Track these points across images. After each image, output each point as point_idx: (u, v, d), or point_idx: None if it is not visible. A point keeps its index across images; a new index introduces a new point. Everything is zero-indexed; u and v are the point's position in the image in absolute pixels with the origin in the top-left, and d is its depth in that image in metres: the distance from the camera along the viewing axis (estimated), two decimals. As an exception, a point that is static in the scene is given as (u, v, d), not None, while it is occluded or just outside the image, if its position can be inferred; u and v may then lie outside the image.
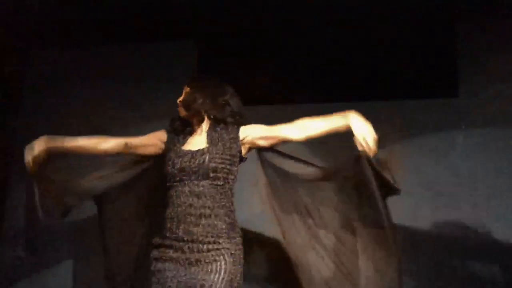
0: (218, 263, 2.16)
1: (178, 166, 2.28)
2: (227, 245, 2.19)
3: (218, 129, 2.36)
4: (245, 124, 2.38)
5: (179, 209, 2.23)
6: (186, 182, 2.25)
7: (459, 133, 3.17)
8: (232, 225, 2.26)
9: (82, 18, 3.54)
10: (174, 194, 2.28)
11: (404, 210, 3.15)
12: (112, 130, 3.72)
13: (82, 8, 3.44)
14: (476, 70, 3.24)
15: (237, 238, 2.26)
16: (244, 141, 2.35)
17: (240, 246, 2.26)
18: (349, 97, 3.41)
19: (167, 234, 2.24)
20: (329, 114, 2.33)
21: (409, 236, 3.11)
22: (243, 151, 2.36)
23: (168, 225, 2.25)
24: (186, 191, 2.24)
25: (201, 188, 2.24)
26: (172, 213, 2.25)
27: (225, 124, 2.37)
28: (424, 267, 3.04)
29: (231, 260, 2.18)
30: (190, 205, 2.22)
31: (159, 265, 2.23)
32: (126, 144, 2.61)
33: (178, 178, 2.28)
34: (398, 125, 3.28)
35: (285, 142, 2.34)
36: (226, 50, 3.61)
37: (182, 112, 2.42)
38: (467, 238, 3.03)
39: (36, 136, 3.93)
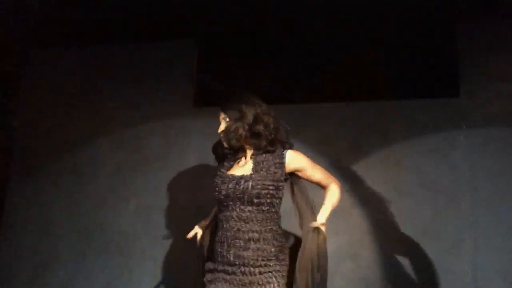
0: (272, 285, 2.28)
1: (224, 192, 2.36)
2: (278, 267, 2.31)
3: (264, 154, 2.43)
4: (290, 147, 2.47)
5: (228, 233, 2.34)
6: (233, 207, 2.35)
7: (460, 133, 3.16)
8: (281, 247, 2.36)
9: (82, 18, 3.54)
10: (224, 218, 2.37)
11: (404, 210, 3.15)
12: (112, 130, 3.74)
13: (82, 8, 3.44)
14: (477, 70, 3.24)
15: (286, 260, 2.37)
16: (289, 167, 2.42)
17: (288, 267, 2.37)
18: (349, 97, 3.41)
19: (219, 259, 2.34)
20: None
21: (409, 236, 3.11)
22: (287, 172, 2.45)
23: (219, 249, 2.35)
24: (234, 216, 2.34)
25: (247, 213, 2.33)
26: (222, 237, 2.35)
27: (268, 152, 2.43)
28: (424, 267, 3.04)
29: (283, 282, 2.31)
30: (238, 230, 2.32)
31: (213, 286, 2.33)
32: None
33: (225, 204, 2.37)
34: (398, 125, 3.28)
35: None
36: (226, 50, 3.61)
37: (225, 143, 2.45)
38: (467, 238, 3.02)
39: (36, 136, 3.95)
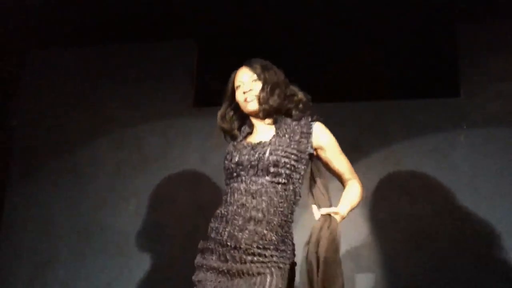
0: (263, 276, 1.89)
1: (236, 159, 2.03)
2: (275, 259, 1.92)
3: (289, 121, 2.12)
4: (319, 120, 2.16)
5: (230, 208, 1.99)
6: (243, 179, 2.01)
7: (460, 133, 3.16)
8: (284, 237, 1.99)
9: (82, 18, 3.54)
10: (229, 191, 2.03)
11: (404, 210, 3.15)
12: (112, 130, 3.74)
13: (82, 8, 3.44)
14: (477, 70, 3.23)
15: (288, 252, 1.98)
16: (316, 141, 2.11)
17: (292, 261, 1.99)
18: (349, 97, 3.41)
19: (212, 235, 2.00)
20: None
21: (409, 236, 3.11)
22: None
23: (216, 224, 2.01)
24: (241, 188, 1.99)
25: (258, 187, 1.97)
26: (222, 212, 2.01)
27: (299, 118, 2.13)
28: (424, 267, 3.04)
29: (279, 274, 1.90)
30: (243, 205, 1.96)
31: (201, 275, 1.98)
32: None
33: (235, 174, 2.03)
34: (399, 125, 3.28)
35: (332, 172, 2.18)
36: (226, 50, 3.60)
37: (253, 107, 2.12)
38: (467, 239, 3.02)
39: (36, 136, 3.95)
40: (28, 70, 4.02)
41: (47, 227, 3.66)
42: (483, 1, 3.18)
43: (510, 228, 2.98)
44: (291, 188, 2.02)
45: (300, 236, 3.18)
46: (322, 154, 2.13)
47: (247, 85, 2.13)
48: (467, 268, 2.98)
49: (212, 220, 2.05)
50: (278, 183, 1.99)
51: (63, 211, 3.66)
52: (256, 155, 2.00)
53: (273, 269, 1.90)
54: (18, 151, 3.89)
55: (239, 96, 2.16)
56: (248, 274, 1.89)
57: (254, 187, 1.98)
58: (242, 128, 2.19)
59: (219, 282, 1.92)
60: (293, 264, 2.00)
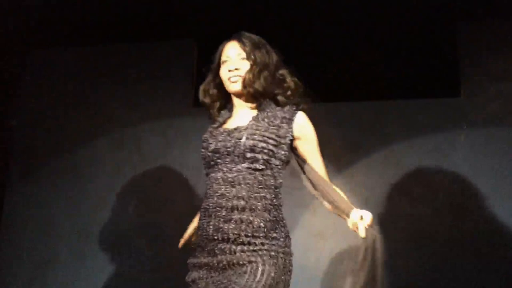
0: (254, 264, 1.77)
1: (212, 147, 1.92)
2: (266, 246, 1.80)
3: (273, 106, 1.99)
4: (304, 108, 2.01)
5: (211, 200, 1.87)
6: (220, 167, 1.89)
7: (460, 133, 3.16)
8: (274, 223, 1.85)
9: (82, 18, 3.54)
10: (209, 183, 1.92)
11: (404, 210, 3.15)
12: (112, 130, 3.73)
13: (82, 8, 3.44)
14: (477, 70, 3.23)
15: (281, 240, 1.85)
16: (296, 130, 1.95)
17: (287, 250, 1.86)
18: (349, 97, 3.41)
19: (199, 232, 1.91)
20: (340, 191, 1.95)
21: (409, 235, 3.11)
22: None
23: (201, 220, 1.91)
24: (219, 177, 1.87)
25: (235, 174, 1.85)
26: (205, 206, 1.90)
27: (284, 105, 1.99)
28: (424, 267, 3.04)
29: (271, 262, 1.78)
30: (222, 195, 1.85)
31: (194, 274, 1.89)
32: None
33: (212, 163, 1.92)
34: (399, 125, 3.27)
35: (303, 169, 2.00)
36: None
37: (236, 88, 1.98)
38: (467, 239, 3.02)
39: (36, 136, 3.95)
40: (28, 70, 4.02)
41: (47, 227, 3.66)
42: (484, 1, 3.18)
43: (510, 228, 2.98)
44: (270, 173, 1.89)
45: (300, 236, 3.19)
46: (300, 146, 1.97)
47: (234, 63, 1.98)
48: (467, 268, 2.98)
49: (199, 217, 1.96)
50: (256, 169, 1.86)
51: (63, 211, 3.66)
52: (232, 141, 1.88)
53: (264, 257, 1.78)
54: (18, 151, 3.89)
55: (224, 73, 2.00)
56: (239, 264, 1.78)
57: (231, 175, 1.86)
58: (223, 112, 2.06)
59: (211, 277, 1.84)
60: (287, 254, 1.86)
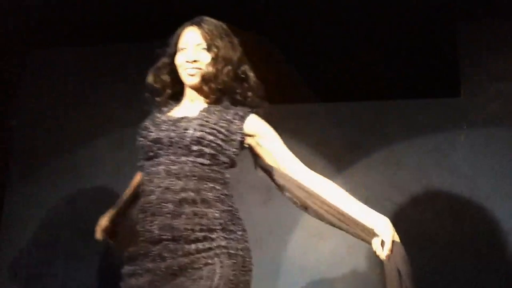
0: (211, 267, 1.57)
1: (152, 136, 1.71)
2: (223, 242, 1.60)
3: (225, 103, 1.80)
4: (259, 107, 1.81)
5: (152, 196, 1.64)
6: (161, 160, 1.67)
7: (460, 133, 3.16)
8: (229, 213, 1.67)
9: (82, 18, 3.54)
10: (146, 177, 1.69)
11: (404, 210, 3.15)
12: (112, 130, 3.73)
13: (82, 8, 3.44)
14: (477, 70, 3.23)
15: (238, 233, 1.66)
16: (247, 128, 1.75)
17: (246, 245, 1.67)
18: (349, 97, 3.41)
19: (140, 235, 1.66)
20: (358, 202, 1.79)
21: (408, 236, 3.10)
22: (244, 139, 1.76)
23: (141, 222, 1.66)
24: (161, 170, 1.65)
25: (181, 165, 1.64)
26: (144, 204, 1.67)
27: (241, 104, 1.80)
28: (424, 267, 3.03)
29: (230, 263, 1.59)
30: (168, 189, 1.62)
31: (131, 281, 1.66)
32: None
33: (151, 154, 1.70)
34: (399, 125, 3.27)
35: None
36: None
37: (193, 82, 1.77)
38: (467, 239, 3.02)
39: (36, 136, 3.95)
40: (28, 70, 4.02)
41: (47, 227, 3.66)
42: (484, 1, 3.17)
43: (510, 228, 2.98)
44: (216, 169, 1.68)
45: (300, 237, 3.19)
46: (259, 143, 1.76)
47: (193, 53, 1.76)
48: (467, 268, 2.97)
49: (136, 218, 1.71)
50: (202, 164, 1.65)
51: (63, 211, 3.66)
52: (178, 131, 1.66)
53: (222, 257, 1.58)
54: (18, 151, 3.89)
55: (180, 62, 1.80)
56: (193, 268, 1.57)
57: (175, 167, 1.64)
58: (171, 101, 1.87)
59: (155, 286, 1.59)
60: (247, 250, 1.67)
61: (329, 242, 3.19)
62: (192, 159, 1.65)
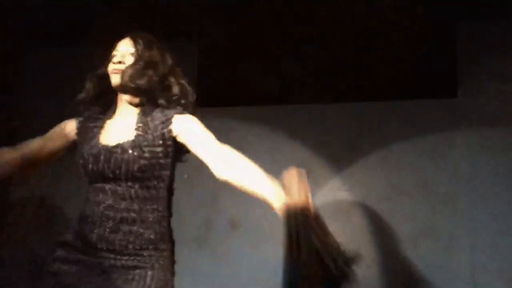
0: (142, 270, 1.68)
1: (92, 167, 1.77)
2: (153, 258, 1.72)
3: (153, 112, 1.84)
4: (186, 107, 1.89)
5: (96, 208, 1.74)
6: (107, 182, 1.76)
7: (458, 133, 3.17)
8: (163, 234, 1.78)
9: (82, 18, 3.54)
10: (91, 190, 1.79)
11: (403, 210, 3.15)
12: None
13: (82, 8, 3.44)
14: (476, 70, 3.24)
15: (168, 252, 1.78)
16: (174, 129, 1.83)
17: (172, 259, 1.81)
18: (348, 98, 3.42)
19: (79, 235, 1.77)
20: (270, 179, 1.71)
21: (408, 235, 3.11)
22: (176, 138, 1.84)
23: (82, 224, 1.77)
24: (107, 189, 1.75)
25: (126, 189, 1.74)
26: (88, 211, 1.76)
27: (166, 108, 1.86)
28: (423, 266, 3.04)
29: (159, 265, 1.72)
30: (111, 206, 1.73)
31: (61, 267, 1.74)
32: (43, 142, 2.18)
33: (94, 179, 1.79)
34: (398, 125, 3.28)
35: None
36: (226, 51, 3.61)
37: (115, 81, 1.85)
38: (465, 238, 3.03)
39: (35, 136, 3.94)
40: (28, 70, 4.02)
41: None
42: (483, 1, 3.18)
43: (509, 228, 2.99)
44: (162, 185, 1.80)
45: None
46: (187, 138, 1.84)
47: (120, 57, 1.87)
48: (465, 267, 2.98)
49: (77, 222, 1.81)
50: (147, 187, 1.76)
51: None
52: (117, 163, 1.73)
53: (153, 262, 1.71)
54: (18, 151, 3.88)
55: (109, 66, 1.90)
56: (124, 268, 1.69)
57: (121, 189, 1.74)
58: (102, 116, 1.94)
59: (87, 276, 1.69)
60: (173, 263, 1.80)
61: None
62: (139, 184, 1.75)
